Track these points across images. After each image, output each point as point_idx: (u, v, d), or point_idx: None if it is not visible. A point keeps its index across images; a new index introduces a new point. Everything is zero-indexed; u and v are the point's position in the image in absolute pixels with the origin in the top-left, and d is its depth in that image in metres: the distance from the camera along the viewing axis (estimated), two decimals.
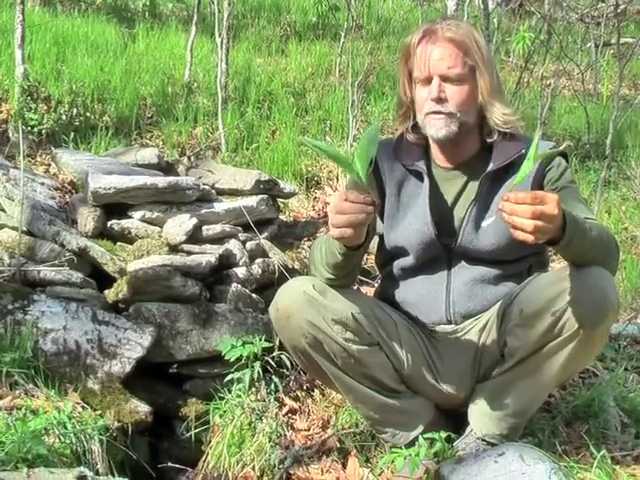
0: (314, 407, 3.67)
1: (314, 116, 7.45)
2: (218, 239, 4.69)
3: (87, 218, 4.49)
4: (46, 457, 2.94)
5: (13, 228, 4.33)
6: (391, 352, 2.85)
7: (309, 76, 8.58)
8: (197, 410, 3.98)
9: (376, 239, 3.05)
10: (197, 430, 3.73)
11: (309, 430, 3.48)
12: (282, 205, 5.70)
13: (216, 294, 4.44)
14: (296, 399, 3.72)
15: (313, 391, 3.78)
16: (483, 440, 2.88)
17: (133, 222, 4.58)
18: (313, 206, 6.22)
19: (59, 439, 3.21)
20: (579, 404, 3.28)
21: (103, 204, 4.54)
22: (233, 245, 4.66)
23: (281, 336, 2.91)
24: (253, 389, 3.60)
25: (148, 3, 10.27)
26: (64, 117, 6.18)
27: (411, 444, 2.91)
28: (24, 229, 4.28)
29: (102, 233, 4.55)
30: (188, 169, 5.43)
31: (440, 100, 2.77)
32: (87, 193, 4.51)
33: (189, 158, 5.92)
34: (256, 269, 4.62)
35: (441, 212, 2.88)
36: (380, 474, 3.01)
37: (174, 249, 4.51)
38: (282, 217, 5.56)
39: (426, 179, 2.87)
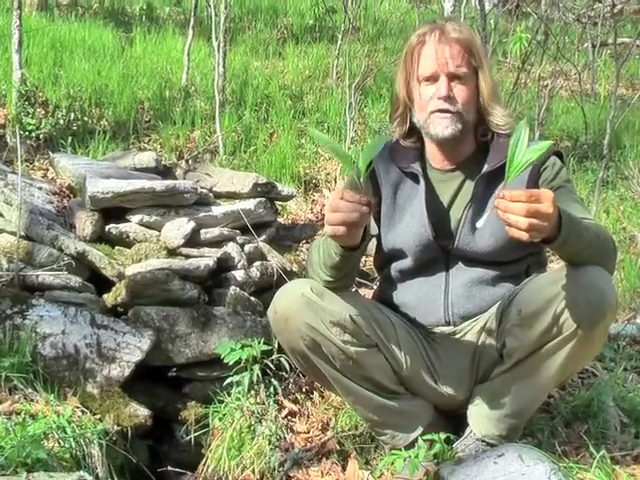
0: (313, 409, 3.67)
1: (311, 118, 7.46)
2: (216, 242, 4.69)
3: (85, 222, 4.49)
4: (46, 461, 2.94)
5: (11, 233, 4.33)
6: (389, 354, 2.85)
7: (306, 79, 8.58)
8: (196, 413, 3.99)
9: (374, 241, 3.05)
10: (197, 433, 3.74)
11: (309, 432, 3.48)
12: (280, 208, 5.70)
13: (215, 297, 4.44)
14: (295, 402, 3.73)
15: (312, 393, 3.78)
16: (482, 441, 2.88)
17: (131, 226, 4.58)
18: (311, 209, 6.22)
19: (58, 443, 3.21)
20: (578, 404, 3.28)
21: (101, 208, 4.54)
22: (231, 248, 4.66)
23: (279, 339, 2.91)
24: (252, 392, 3.59)
25: (145, 7, 10.31)
26: (62, 121, 6.19)
27: (411, 446, 2.90)
28: (22, 234, 4.27)
29: (100, 237, 4.55)
30: (186, 172, 5.44)
31: (449, 98, 2.77)
32: (85, 197, 4.51)
33: (187, 161, 5.93)
34: (254, 272, 4.62)
35: (438, 214, 2.88)
36: (380, 476, 3.00)
37: (172, 253, 4.51)
38: (280, 220, 5.56)
39: (422, 181, 2.87)
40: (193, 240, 4.58)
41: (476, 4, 7.74)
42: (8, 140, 5.87)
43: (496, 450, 2.78)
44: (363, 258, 4.13)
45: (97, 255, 4.32)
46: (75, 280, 4.19)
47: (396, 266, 3.00)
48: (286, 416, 3.60)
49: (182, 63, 7.72)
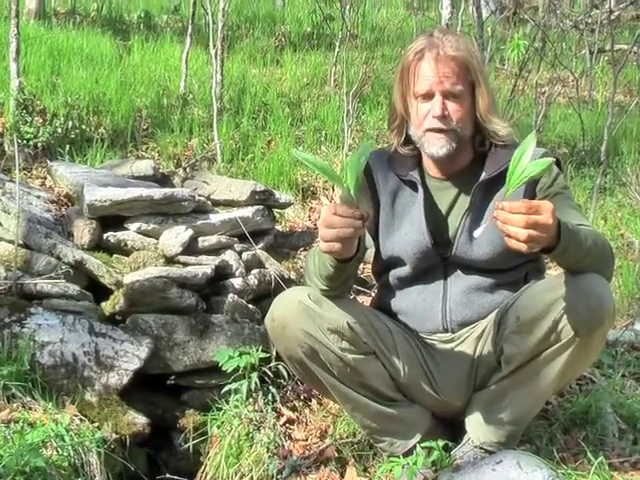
0: (312, 417, 3.67)
1: (309, 126, 7.45)
2: (214, 250, 4.70)
3: (83, 230, 4.50)
4: (44, 470, 2.95)
5: (9, 241, 4.33)
6: (387, 361, 2.85)
7: (304, 86, 8.58)
8: (195, 421, 3.99)
9: (372, 248, 3.06)
10: (195, 441, 3.74)
11: (307, 440, 3.48)
12: (278, 215, 5.70)
13: (213, 305, 4.45)
14: (294, 409, 3.73)
15: (310, 401, 3.78)
16: (481, 448, 2.88)
17: (129, 234, 4.59)
18: (309, 216, 6.21)
19: (57, 451, 3.21)
20: (576, 411, 3.28)
21: (99, 216, 4.55)
22: (229, 256, 4.66)
23: (277, 346, 2.91)
24: (250, 400, 3.60)
25: (143, 15, 10.30)
26: (60, 130, 6.18)
27: (409, 453, 2.91)
28: (20, 242, 4.27)
29: (98, 245, 4.55)
30: (184, 180, 5.45)
31: (444, 117, 2.77)
32: (83, 205, 4.52)
33: (185, 169, 5.92)
34: (252, 280, 4.62)
35: (436, 222, 2.89)
36: None
37: (170, 260, 4.51)
38: (278, 227, 5.56)
39: (420, 189, 2.88)
40: (191, 248, 4.58)
41: (473, 11, 7.73)
42: (6, 148, 5.87)
43: (494, 457, 2.78)
44: (361, 265, 4.13)
45: (95, 263, 4.32)
46: (73, 288, 4.19)
47: (394, 273, 3.00)
48: (284, 423, 3.60)
49: (180, 71, 7.71)
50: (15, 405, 3.49)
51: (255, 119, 7.40)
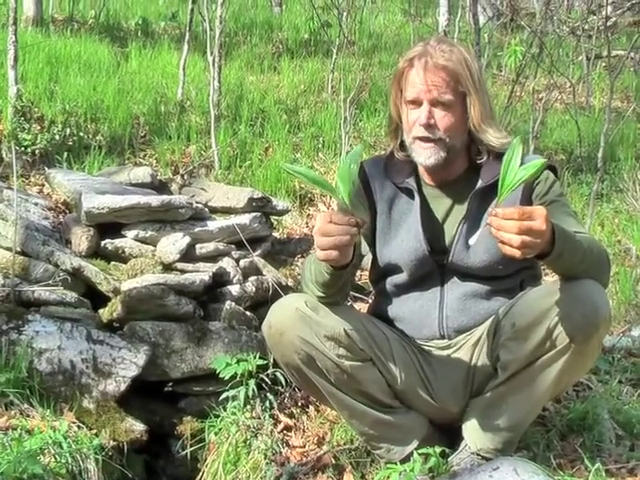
0: (309, 424, 3.67)
1: (307, 133, 7.45)
2: (212, 257, 4.70)
3: (81, 238, 4.50)
4: (42, 477, 2.95)
5: (7, 248, 4.34)
6: (384, 368, 2.86)
7: (301, 93, 8.59)
8: (192, 428, 3.99)
9: (369, 255, 3.07)
10: (193, 448, 3.75)
11: (304, 447, 3.48)
12: (275, 222, 5.71)
13: (210, 312, 4.45)
14: (291, 416, 3.73)
15: (308, 408, 3.78)
16: (477, 454, 2.88)
17: (127, 241, 4.59)
18: (306, 223, 6.22)
19: (55, 458, 3.22)
20: (573, 417, 3.28)
21: (97, 224, 4.55)
22: (227, 263, 4.67)
23: (274, 353, 2.92)
24: (248, 406, 3.61)
25: (141, 22, 10.30)
26: (57, 137, 6.18)
27: (406, 459, 2.90)
28: (18, 249, 4.28)
29: (96, 252, 4.56)
30: (181, 187, 5.45)
31: (429, 126, 2.78)
32: (81, 213, 4.52)
33: (182, 176, 5.93)
34: (250, 287, 4.63)
35: (432, 229, 2.89)
36: None
37: (168, 268, 4.52)
38: (276, 234, 5.57)
39: (417, 196, 2.89)
40: (188, 255, 4.59)
41: (470, 18, 7.75)
42: (4, 155, 5.87)
43: (491, 464, 2.78)
44: (358, 272, 4.14)
45: (93, 270, 4.33)
46: (71, 295, 4.20)
47: (391, 280, 3.00)
48: (282, 430, 3.60)
49: (177, 78, 7.71)
50: (13, 412, 3.50)
51: (252, 126, 7.41)
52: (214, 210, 5.10)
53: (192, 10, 7.89)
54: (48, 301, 4.15)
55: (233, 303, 4.46)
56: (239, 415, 3.53)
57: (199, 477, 3.56)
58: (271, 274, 4.79)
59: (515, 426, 2.87)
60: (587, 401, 3.38)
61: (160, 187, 5.36)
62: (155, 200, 4.61)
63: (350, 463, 3.20)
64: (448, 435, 3.06)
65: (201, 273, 4.49)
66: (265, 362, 3.64)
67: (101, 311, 4.26)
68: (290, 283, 4.82)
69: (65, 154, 6.05)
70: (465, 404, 2.94)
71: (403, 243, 2.90)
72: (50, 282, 4.17)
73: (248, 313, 4.51)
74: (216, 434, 3.56)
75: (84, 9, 11.08)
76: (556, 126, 8.67)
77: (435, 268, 2.90)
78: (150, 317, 4.22)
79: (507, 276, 2.87)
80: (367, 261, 3.11)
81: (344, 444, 3.34)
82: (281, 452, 3.40)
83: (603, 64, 10.38)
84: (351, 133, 7.30)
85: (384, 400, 2.90)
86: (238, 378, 3.62)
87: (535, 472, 2.68)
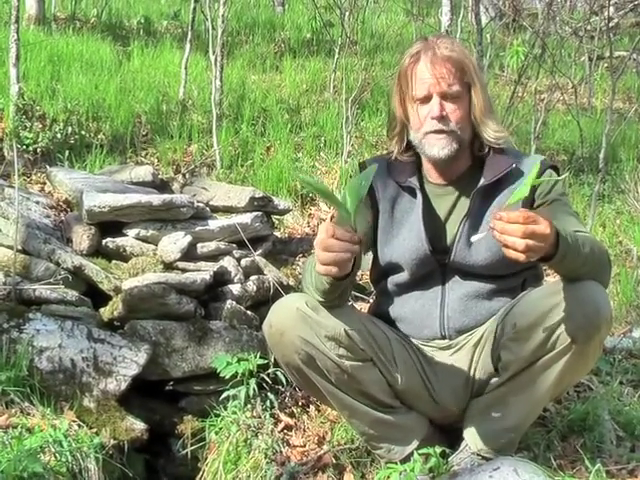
0: (310, 423, 3.67)
1: (308, 132, 7.45)
2: (213, 256, 4.69)
3: (82, 236, 4.50)
4: (42, 475, 2.95)
5: (8, 247, 4.33)
6: (385, 368, 2.86)
7: (303, 92, 8.58)
8: (193, 427, 3.99)
9: (370, 255, 3.07)
10: (193, 447, 3.74)
11: (305, 446, 3.48)
12: (277, 222, 5.70)
13: (211, 311, 4.45)
14: (292, 415, 3.73)
15: (308, 407, 3.78)
16: (478, 455, 2.88)
17: (128, 240, 4.59)
18: (308, 222, 6.21)
19: (55, 457, 3.21)
20: (574, 418, 3.28)
21: (98, 222, 4.54)
22: (228, 262, 4.66)
23: (275, 353, 2.91)
24: (249, 406, 3.60)
25: (143, 21, 10.30)
26: (59, 135, 6.18)
27: (406, 459, 2.90)
28: (19, 248, 4.28)
29: (97, 251, 4.55)
30: (183, 186, 5.44)
31: (442, 118, 2.78)
32: (82, 211, 4.52)
33: (184, 175, 5.93)
34: (251, 286, 4.62)
35: (434, 228, 2.89)
36: None
37: (169, 267, 4.51)
38: (277, 234, 5.56)
39: (419, 195, 2.89)
40: (190, 254, 4.58)
41: (473, 18, 7.74)
42: (5, 154, 5.86)
43: (491, 464, 2.78)
44: (359, 272, 4.14)
45: (94, 269, 4.33)
46: (72, 294, 4.19)
47: (392, 280, 3.00)
48: (282, 430, 3.60)
49: (179, 77, 7.71)
50: (13, 410, 3.49)
51: (254, 125, 7.40)
52: (215, 209, 5.10)
53: (194, 9, 7.87)
54: (49, 299, 4.14)
55: (234, 302, 4.46)
56: (240, 414, 3.53)
57: (199, 476, 3.55)
58: (272, 273, 4.78)
59: (516, 426, 2.87)
60: (588, 402, 3.38)
61: (161, 186, 5.36)
62: (156, 199, 4.60)
63: (350, 463, 3.20)
64: (448, 435, 3.06)
65: (202, 272, 4.48)
66: (266, 361, 3.63)
67: (102, 310, 4.25)
68: (291, 283, 4.82)
69: (67, 152, 6.04)
70: (466, 404, 2.94)
71: (405, 242, 2.90)
72: (51, 280, 4.16)
73: (249, 312, 4.51)
74: (216, 433, 3.56)
75: (86, 8, 11.06)
76: (558, 127, 8.67)
77: (436, 267, 2.90)
78: (151, 316, 4.21)
79: (509, 276, 2.87)
80: (368, 261, 3.11)
81: (344, 444, 3.34)
82: (281, 451, 3.40)
83: (605, 65, 10.37)
84: (353, 133, 7.31)
85: (385, 400, 2.89)
86: (239, 377, 3.61)
87: (535, 473, 2.68)
